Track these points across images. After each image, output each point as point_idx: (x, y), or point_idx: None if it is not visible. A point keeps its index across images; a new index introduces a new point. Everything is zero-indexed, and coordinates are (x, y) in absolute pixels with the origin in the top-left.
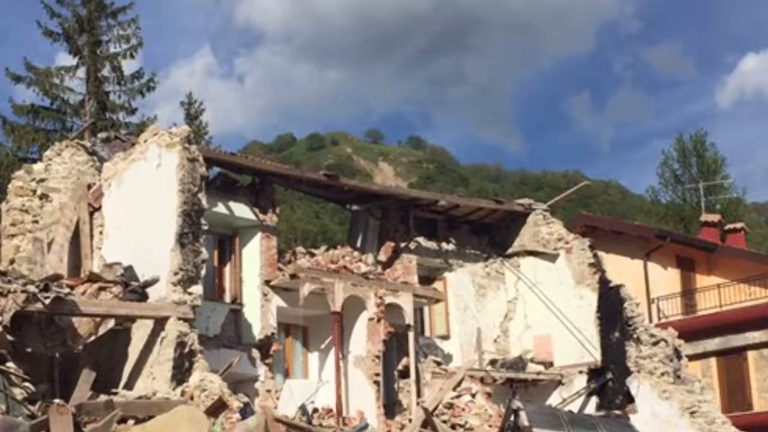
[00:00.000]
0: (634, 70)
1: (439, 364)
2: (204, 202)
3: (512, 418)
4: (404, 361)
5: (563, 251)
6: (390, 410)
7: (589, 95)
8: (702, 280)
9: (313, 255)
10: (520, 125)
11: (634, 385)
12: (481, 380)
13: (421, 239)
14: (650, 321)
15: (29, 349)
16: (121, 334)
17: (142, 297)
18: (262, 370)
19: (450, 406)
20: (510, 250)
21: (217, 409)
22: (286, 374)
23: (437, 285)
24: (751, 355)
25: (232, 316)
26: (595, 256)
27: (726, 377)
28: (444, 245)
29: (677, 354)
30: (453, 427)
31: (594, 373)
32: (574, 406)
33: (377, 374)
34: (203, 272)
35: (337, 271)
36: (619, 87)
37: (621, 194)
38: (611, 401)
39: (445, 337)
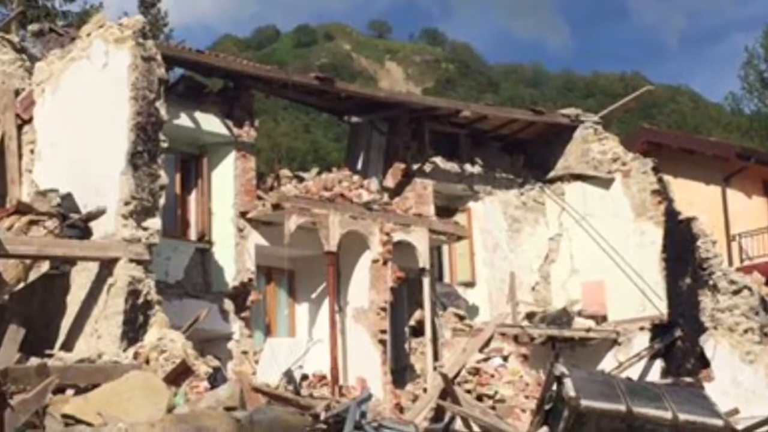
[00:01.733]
0: None
1: (461, 318)
2: (163, 112)
3: (554, 387)
4: (417, 314)
5: (620, 175)
6: (399, 377)
7: None
8: None
9: (301, 180)
10: (565, 15)
11: (709, 344)
12: (515, 339)
13: (438, 160)
14: (730, 264)
15: None
16: (57, 280)
17: (84, 233)
18: (236, 326)
19: (476, 371)
20: (552, 174)
21: (179, 375)
22: (268, 331)
23: (459, 218)
24: None
25: (198, 257)
26: (660, 180)
27: None
28: (468, 167)
29: (765, 306)
30: (479, 398)
31: (659, 330)
32: (634, 372)
33: (383, 331)
34: (162, 201)
35: (331, 201)
36: None
37: (693, 102)
38: (680, 365)
39: (470, 285)
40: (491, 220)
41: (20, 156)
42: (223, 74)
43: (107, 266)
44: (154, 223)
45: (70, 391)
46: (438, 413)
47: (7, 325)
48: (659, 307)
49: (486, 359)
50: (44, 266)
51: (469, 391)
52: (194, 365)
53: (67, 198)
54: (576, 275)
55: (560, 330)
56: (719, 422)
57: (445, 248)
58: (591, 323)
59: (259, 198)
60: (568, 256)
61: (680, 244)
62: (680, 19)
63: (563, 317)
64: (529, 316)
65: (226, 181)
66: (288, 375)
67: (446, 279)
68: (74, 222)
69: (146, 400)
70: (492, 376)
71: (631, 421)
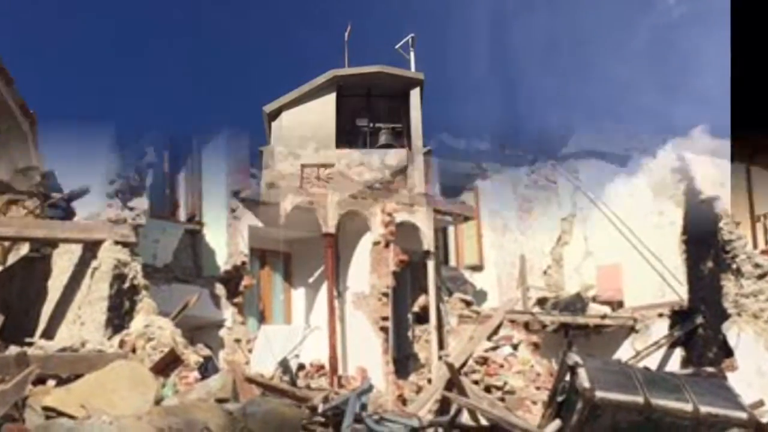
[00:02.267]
0: None
1: (468, 304)
2: None
3: (567, 377)
4: (421, 300)
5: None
6: (402, 366)
7: None
8: None
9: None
10: None
11: (732, 332)
12: (526, 326)
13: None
14: (755, 246)
15: None
16: (37, 263)
17: (67, 213)
18: (228, 313)
19: (483, 361)
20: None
21: (168, 364)
22: (262, 318)
23: (466, 197)
24: None
25: (188, 239)
26: (681, 157)
27: None
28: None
29: None
30: (488, 389)
31: (679, 317)
32: (652, 361)
33: (385, 318)
34: (149, 180)
35: (330, 179)
36: None
37: None
38: (702, 354)
39: (477, 268)
40: (500, 200)
41: None
42: None
43: (91, 249)
44: (141, 202)
45: (51, 382)
46: (443, 405)
47: None
48: (679, 293)
49: (494, 348)
50: (24, 249)
51: (476, 382)
52: (184, 354)
53: (49, 176)
54: (590, 258)
55: (574, 317)
56: (743, 415)
57: (451, 230)
58: (606, 309)
59: (253, 176)
60: (582, 238)
61: (702, 225)
62: None
63: (577, 303)
64: (541, 301)
65: (217, 158)
66: (283, 364)
67: (452, 262)
68: (56, 201)
69: (133, 391)
70: (501, 365)
71: (649, 413)
